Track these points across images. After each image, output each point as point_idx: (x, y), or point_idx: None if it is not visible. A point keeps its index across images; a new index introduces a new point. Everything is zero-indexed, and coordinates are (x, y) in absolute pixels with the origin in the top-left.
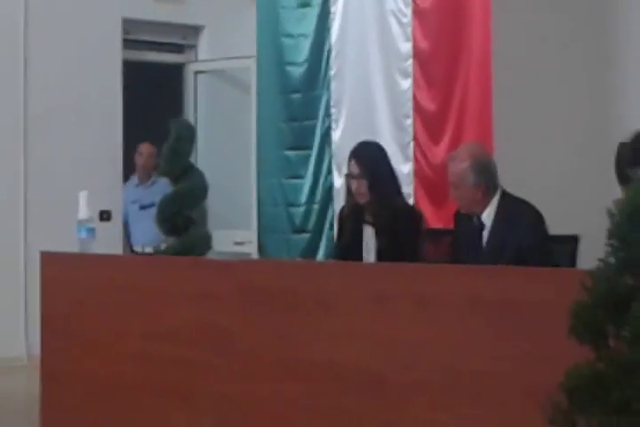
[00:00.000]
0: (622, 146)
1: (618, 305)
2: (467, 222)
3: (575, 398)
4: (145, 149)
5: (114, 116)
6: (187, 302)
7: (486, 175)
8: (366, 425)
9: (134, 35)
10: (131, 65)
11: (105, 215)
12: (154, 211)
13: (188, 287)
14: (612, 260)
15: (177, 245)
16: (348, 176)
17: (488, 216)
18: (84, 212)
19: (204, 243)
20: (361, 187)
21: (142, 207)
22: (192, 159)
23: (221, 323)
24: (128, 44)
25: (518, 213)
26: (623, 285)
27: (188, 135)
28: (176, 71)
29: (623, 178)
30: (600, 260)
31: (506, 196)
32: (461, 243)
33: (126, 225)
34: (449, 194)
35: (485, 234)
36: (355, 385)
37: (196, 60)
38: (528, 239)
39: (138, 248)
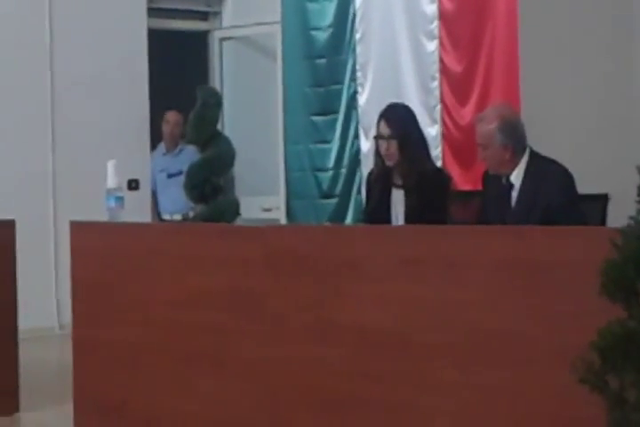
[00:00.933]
0: None
1: None
2: (495, 183)
3: (607, 357)
4: (172, 116)
5: (140, 85)
6: (216, 268)
7: (514, 136)
8: (395, 387)
9: (159, 3)
10: (156, 33)
11: (133, 184)
12: (182, 179)
13: (217, 254)
14: None
15: (205, 212)
16: (378, 137)
17: (517, 177)
18: (112, 181)
19: (233, 209)
20: (391, 147)
21: (170, 176)
22: (219, 126)
23: (251, 288)
24: (153, 12)
25: (547, 173)
26: None
27: (214, 102)
28: (201, 38)
29: None
30: (630, 217)
31: (534, 156)
32: (490, 203)
33: (154, 194)
34: (477, 155)
35: (514, 194)
36: (384, 348)
37: (221, 27)
38: (557, 199)
39: (166, 216)
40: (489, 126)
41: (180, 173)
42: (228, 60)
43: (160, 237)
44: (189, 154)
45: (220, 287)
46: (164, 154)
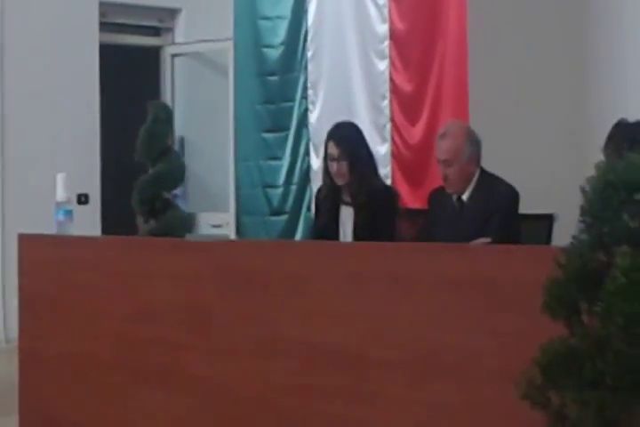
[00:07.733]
0: (623, 126)
1: (591, 281)
2: (444, 202)
3: (549, 374)
4: None
5: (91, 100)
6: (165, 283)
7: (478, 147)
8: (343, 403)
9: (111, 17)
10: (107, 48)
11: (83, 198)
12: None
13: (166, 268)
14: (584, 236)
15: (155, 227)
16: (327, 158)
17: (467, 195)
18: (61, 194)
19: (183, 224)
20: (341, 168)
21: None
22: (169, 142)
23: (199, 303)
24: (104, 26)
25: (496, 192)
26: (596, 261)
27: (164, 117)
28: (153, 54)
29: (616, 154)
30: (573, 237)
31: (483, 173)
32: (438, 223)
33: None
34: (426, 174)
35: (465, 210)
36: (330, 363)
37: (173, 43)
38: (498, 217)
39: None
40: (456, 140)
41: None
42: (179, 76)
43: (109, 250)
44: None
45: (169, 302)
46: None
